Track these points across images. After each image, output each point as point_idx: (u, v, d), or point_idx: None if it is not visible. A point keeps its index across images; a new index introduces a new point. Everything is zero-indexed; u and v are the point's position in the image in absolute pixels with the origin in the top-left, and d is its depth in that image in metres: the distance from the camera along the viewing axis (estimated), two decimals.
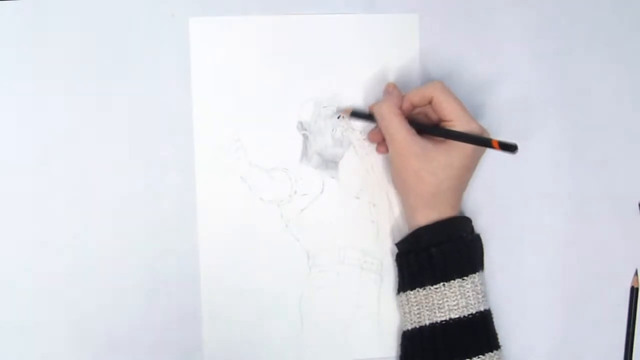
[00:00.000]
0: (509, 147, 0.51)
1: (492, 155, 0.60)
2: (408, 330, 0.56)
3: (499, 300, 0.60)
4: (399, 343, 0.58)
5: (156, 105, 0.58)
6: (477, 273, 0.55)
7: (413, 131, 0.54)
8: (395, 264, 0.58)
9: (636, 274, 0.61)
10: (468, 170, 0.55)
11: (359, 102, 0.59)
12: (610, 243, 0.62)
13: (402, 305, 0.57)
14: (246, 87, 0.58)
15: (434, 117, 0.56)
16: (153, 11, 0.58)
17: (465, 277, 0.54)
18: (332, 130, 0.59)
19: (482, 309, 0.54)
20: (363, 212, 0.60)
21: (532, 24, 0.61)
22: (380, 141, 0.58)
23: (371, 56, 0.59)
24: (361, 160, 0.59)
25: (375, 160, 0.60)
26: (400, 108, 0.55)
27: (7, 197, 0.56)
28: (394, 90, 0.56)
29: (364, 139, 0.59)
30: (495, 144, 0.51)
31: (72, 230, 0.57)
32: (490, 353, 0.54)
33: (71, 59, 0.57)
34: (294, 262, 0.59)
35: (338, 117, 0.58)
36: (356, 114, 0.58)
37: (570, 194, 0.61)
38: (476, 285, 0.54)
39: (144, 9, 0.57)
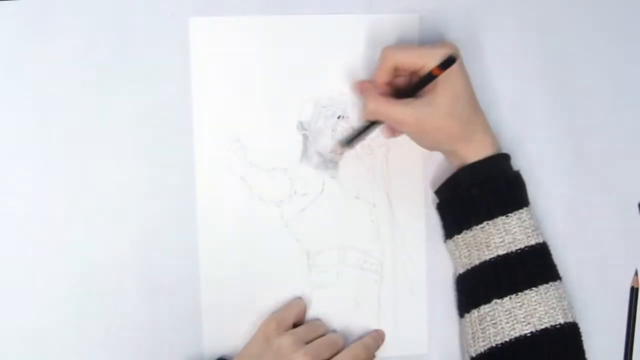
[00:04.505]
0: (448, 62, 0.52)
1: None
2: (460, 274, 0.57)
3: None
4: (455, 289, 0.59)
5: (156, 105, 0.58)
6: (524, 208, 0.55)
7: (408, 100, 0.54)
8: (437, 213, 0.59)
9: (636, 274, 0.61)
10: (468, 85, 0.55)
11: (358, 102, 0.59)
12: (610, 243, 0.62)
13: (452, 251, 0.58)
14: (246, 87, 0.58)
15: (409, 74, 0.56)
16: (153, 11, 0.57)
17: (509, 214, 0.54)
18: (332, 130, 0.59)
19: (532, 243, 0.54)
20: (363, 212, 0.60)
21: (532, 23, 0.61)
22: (388, 128, 0.58)
23: (371, 56, 0.59)
24: (361, 160, 0.59)
25: (375, 160, 0.60)
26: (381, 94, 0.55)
27: (7, 197, 0.56)
28: (366, 85, 0.57)
29: (363, 139, 0.59)
30: (436, 72, 0.52)
31: (72, 230, 0.57)
32: (545, 285, 0.54)
33: (71, 59, 0.57)
34: (294, 262, 0.59)
35: (340, 153, 0.59)
36: (352, 139, 0.58)
37: (570, 194, 0.61)
38: (523, 221, 0.54)
39: (144, 9, 0.57)
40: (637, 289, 0.61)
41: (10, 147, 0.57)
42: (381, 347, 0.59)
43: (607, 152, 0.62)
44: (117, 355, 0.57)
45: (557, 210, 0.61)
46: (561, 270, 0.60)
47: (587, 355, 0.60)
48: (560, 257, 0.61)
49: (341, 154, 0.59)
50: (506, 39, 0.61)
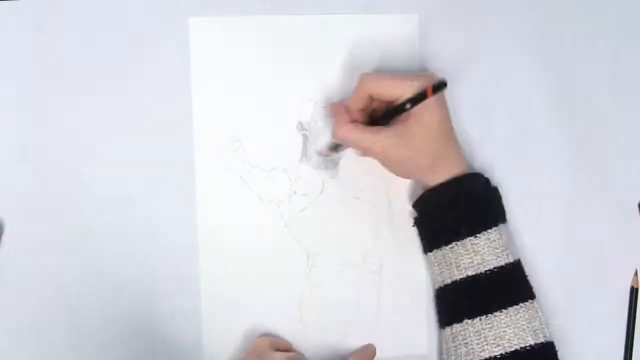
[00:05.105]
0: (440, 86, 0.50)
1: (492, 155, 0.60)
2: (436, 289, 0.57)
3: None
4: (434, 302, 0.59)
5: (156, 105, 0.58)
6: (493, 228, 0.54)
7: (378, 128, 0.53)
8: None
9: (636, 274, 0.61)
10: (444, 121, 0.54)
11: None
12: (610, 243, 0.62)
13: (428, 267, 0.58)
14: (246, 87, 0.58)
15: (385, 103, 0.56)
16: (153, 11, 0.58)
17: (477, 235, 0.54)
18: (332, 130, 0.59)
19: (501, 263, 0.54)
20: (363, 212, 0.60)
21: (532, 24, 0.61)
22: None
23: (371, 56, 0.59)
24: (361, 160, 0.59)
25: (375, 160, 0.60)
26: (352, 120, 0.54)
27: (7, 197, 0.56)
28: (338, 108, 0.56)
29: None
30: (429, 93, 0.50)
31: (72, 230, 0.57)
32: (515, 306, 0.53)
33: (71, 58, 0.57)
34: (294, 262, 0.59)
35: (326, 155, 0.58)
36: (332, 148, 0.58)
37: (570, 194, 0.61)
38: (492, 241, 0.54)
39: (144, 9, 0.57)
40: (637, 289, 0.61)
41: (10, 147, 0.57)
42: (381, 348, 0.59)
43: (607, 152, 0.62)
44: (117, 355, 0.57)
45: (557, 210, 0.61)
46: (561, 270, 0.60)
47: (587, 355, 0.60)
48: (560, 257, 0.61)
49: (326, 156, 0.59)
50: (506, 39, 0.61)
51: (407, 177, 0.58)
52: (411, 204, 0.59)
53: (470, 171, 0.56)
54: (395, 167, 0.56)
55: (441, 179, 0.55)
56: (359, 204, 0.60)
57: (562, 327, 0.61)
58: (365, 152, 0.55)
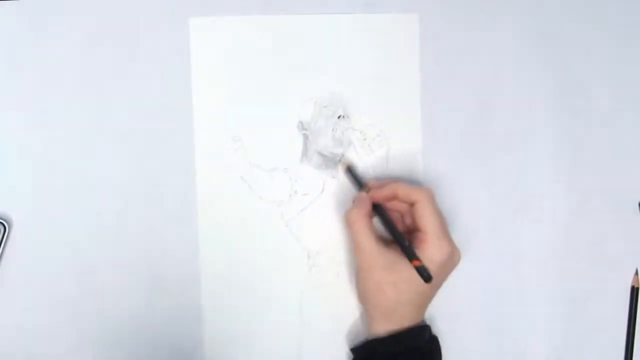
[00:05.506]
0: (424, 277, 0.51)
1: (492, 154, 0.60)
2: None
3: (499, 300, 0.60)
4: None
5: (156, 105, 0.58)
6: None
7: (380, 241, 0.53)
8: None
9: (636, 273, 0.61)
10: (432, 286, 0.53)
11: (359, 102, 0.59)
12: (610, 243, 0.62)
13: None
14: (246, 87, 0.58)
15: (408, 219, 0.56)
16: (153, 11, 0.58)
17: None
18: (332, 130, 0.59)
19: None
20: None
21: (532, 23, 0.61)
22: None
23: (371, 56, 0.59)
24: (361, 160, 0.59)
25: (375, 160, 0.60)
26: (371, 209, 0.54)
27: (7, 197, 0.56)
28: (365, 197, 0.55)
29: (364, 139, 0.59)
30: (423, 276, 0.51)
31: (72, 230, 0.57)
32: None
33: (71, 59, 0.57)
34: (294, 262, 0.59)
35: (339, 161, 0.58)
36: (350, 172, 0.58)
37: (570, 194, 0.61)
38: None
39: (144, 9, 0.57)
40: (637, 288, 0.61)
41: (10, 147, 0.57)
42: None
43: (607, 152, 0.62)
44: (117, 355, 0.57)
45: (557, 210, 0.61)
46: (561, 270, 0.60)
47: (587, 355, 0.60)
48: (561, 257, 0.61)
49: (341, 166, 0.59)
50: (506, 39, 0.61)
51: (359, 297, 0.57)
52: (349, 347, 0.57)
53: (421, 323, 0.55)
54: (362, 281, 0.55)
55: (382, 330, 0.53)
56: None
57: (563, 326, 0.61)
58: (355, 246, 0.54)
